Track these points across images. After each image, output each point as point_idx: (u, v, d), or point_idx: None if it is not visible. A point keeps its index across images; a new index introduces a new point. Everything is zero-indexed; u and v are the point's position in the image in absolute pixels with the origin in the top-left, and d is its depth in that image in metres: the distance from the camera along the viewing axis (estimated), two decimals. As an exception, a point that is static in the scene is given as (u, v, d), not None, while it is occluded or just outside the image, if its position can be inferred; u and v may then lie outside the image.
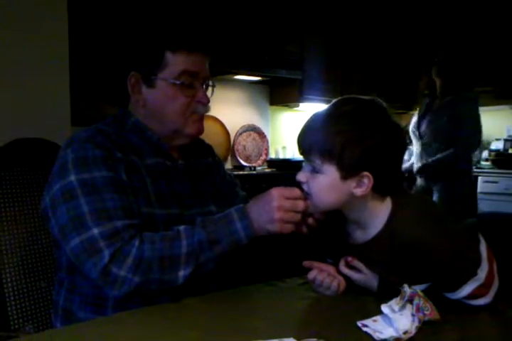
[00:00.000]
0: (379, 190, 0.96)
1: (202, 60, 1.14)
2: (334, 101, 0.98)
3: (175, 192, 1.11)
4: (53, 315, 1.11)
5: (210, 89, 1.20)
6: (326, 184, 0.95)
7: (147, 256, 0.93)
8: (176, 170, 1.15)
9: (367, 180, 0.93)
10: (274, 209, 0.96)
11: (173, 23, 1.16)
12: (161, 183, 1.09)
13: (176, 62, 1.10)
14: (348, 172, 0.93)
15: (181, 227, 0.99)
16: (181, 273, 0.95)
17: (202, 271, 0.98)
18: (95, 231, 0.94)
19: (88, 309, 1.03)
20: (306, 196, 0.98)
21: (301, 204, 0.97)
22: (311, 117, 0.99)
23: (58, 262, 1.11)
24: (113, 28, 2.68)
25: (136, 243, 0.94)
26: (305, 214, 1.00)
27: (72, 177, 1.00)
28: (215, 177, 1.27)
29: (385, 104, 0.98)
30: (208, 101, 1.16)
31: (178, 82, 1.10)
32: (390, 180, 0.97)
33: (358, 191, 0.94)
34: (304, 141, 0.97)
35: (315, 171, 0.95)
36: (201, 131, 1.18)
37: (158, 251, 0.94)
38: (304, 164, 0.99)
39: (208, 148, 1.32)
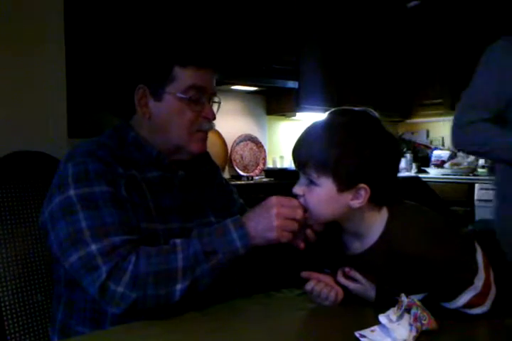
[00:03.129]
0: (376, 201, 0.96)
1: (210, 75, 1.14)
2: (328, 113, 0.99)
3: (176, 204, 1.11)
4: (51, 329, 1.11)
5: (215, 105, 1.20)
6: (322, 197, 0.95)
7: (143, 272, 0.93)
8: (177, 182, 1.15)
9: (363, 192, 0.93)
10: (273, 216, 0.96)
11: (184, 37, 1.15)
12: (162, 197, 1.09)
13: (185, 77, 1.10)
14: (344, 184, 0.93)
15: (178, 240, 0.99)
16: (178, 287, 0.94)
17: (199, 285, 0.96)
18: (93, 247, 0.94)
19: (86, 323, 1.03)
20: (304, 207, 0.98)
21: (299, 213, 0.97)
22: (305, 130, 0.99)
23: (56, 276, 1.11)
24: (121, 41, 2.70)
25: (133, 259, 0.94)
26: (303, 226, 1.00)
27: (72, 192, 0.99)
28: (213, 185, 1.27)
29: (377, 115, 0.99)
30: (214, 118, 1.16)
31: (185, 97, 1.10)
32: (387, 191, 0.97)
33: (355, 203, 0.94)
34: (300, 154, 0.98)
35: (311, 184, 0.96)
36: (204, 149, 1.18)
37: (154, 266, 0.94)
38: (300, 177, 0.99)
39: (205, 155, 1.32)
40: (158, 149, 1.13)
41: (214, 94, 1.18)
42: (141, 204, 1.04)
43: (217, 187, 1.29)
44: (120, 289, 0.92)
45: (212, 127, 1.17)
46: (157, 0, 2.95)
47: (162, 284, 0.94)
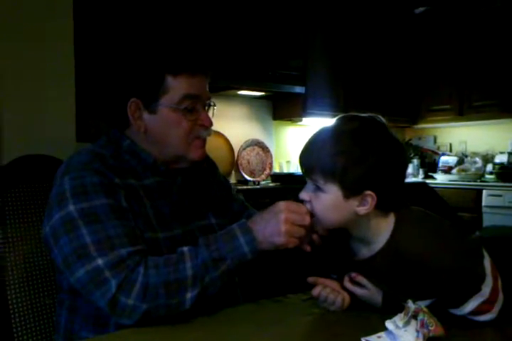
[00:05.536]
0: (382, 208, 0.96)
1: (203, 82, 1.12)
2: (335, 120, 0.99)
3: (175, 210, 1.11)
4: (55, 334, 1.11)
5: (211, 109, 1.17)
6: (329, 203, 0.95)
7: (153, 282, 0.92)
8: (175, 187, 1.14)
9: (370, 199, 0.93)
10: (281, 221, 0.96)
11: (174, 45, 1.13)
12: (161, 204, 1.09)
13: (178, 87, 1.08)
14: (350, 191, 0.93)
15: (185, 249, 0.98)
16: (188, 296, 0.94)
17: (209, 291, 0.96)
18: (100, 261, 0.93)
19: (90, 328, 1.03)
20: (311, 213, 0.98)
21: (307, 219, 0.97)
22: (312, 136, 0.99)
23: (59, 284, 1.11)
24: (113, 54, 2.69)
25: (142, 270, 0.93)
26: (310, 231, 1.00)
27: (71, 207, 0.98)
28: (211, 184, 1.26)
29: (385, 121, 0.98)
30: (211, 124, 1.14)
31: (180, 107, 1.08)
32: (394, 198, 0.97)
33: (362, 210, 0.94)
34: (306, 160, 0.98)
35: (318, 190, 0.96)
36: (204, 156, 1.17)
37: (163, 276, 0.93)
38: (307, 182, 0.99)
39: None
40: (154, 157, 1.12)
41: (208, 99, 1.15)
42: (141, 214, 1.04)
43: (217, 185, 1.28)
44: (131, 301, 0.91)
45: (210, 133, 1.15)
46: (145, 8, 2.96)
47: (172, 294, 0.93)
